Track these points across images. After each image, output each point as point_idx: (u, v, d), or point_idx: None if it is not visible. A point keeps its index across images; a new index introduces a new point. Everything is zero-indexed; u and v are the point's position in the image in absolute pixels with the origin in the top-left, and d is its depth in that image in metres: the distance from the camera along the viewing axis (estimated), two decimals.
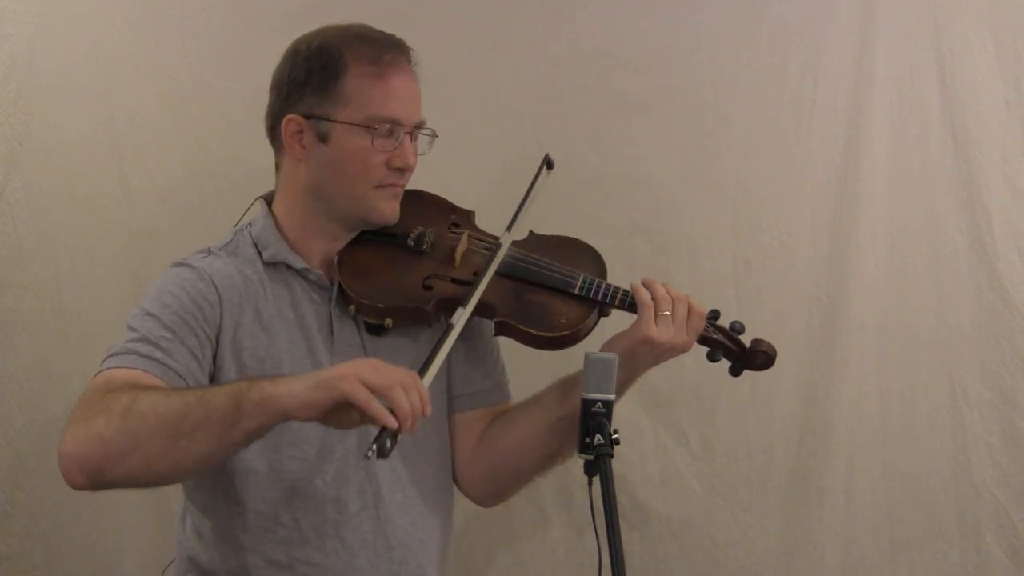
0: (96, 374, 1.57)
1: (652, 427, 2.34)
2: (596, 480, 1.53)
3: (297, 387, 1.39)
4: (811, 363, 2.32)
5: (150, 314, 1.62)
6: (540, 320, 1.75)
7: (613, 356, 1.60)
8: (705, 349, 1.81)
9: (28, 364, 2.19)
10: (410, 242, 1.77)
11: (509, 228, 1.78)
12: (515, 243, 1.82)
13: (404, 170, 1.73)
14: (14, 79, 2.15)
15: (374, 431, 1.40)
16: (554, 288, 1.78)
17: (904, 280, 2.32)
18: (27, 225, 2.18)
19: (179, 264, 1.70)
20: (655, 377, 2.30)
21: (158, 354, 1.57)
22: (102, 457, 1.41)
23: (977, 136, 2.29)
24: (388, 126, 1.69)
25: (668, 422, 2.34)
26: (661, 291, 1.73)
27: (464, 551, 2.33)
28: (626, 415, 2.27)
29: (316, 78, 1.69)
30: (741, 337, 1.82)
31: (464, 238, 1.80)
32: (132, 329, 1.61)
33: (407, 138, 1.72)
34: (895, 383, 2.32)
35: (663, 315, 1.71)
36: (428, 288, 1.74)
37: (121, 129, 2.22)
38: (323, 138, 1.70)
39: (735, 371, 1.84)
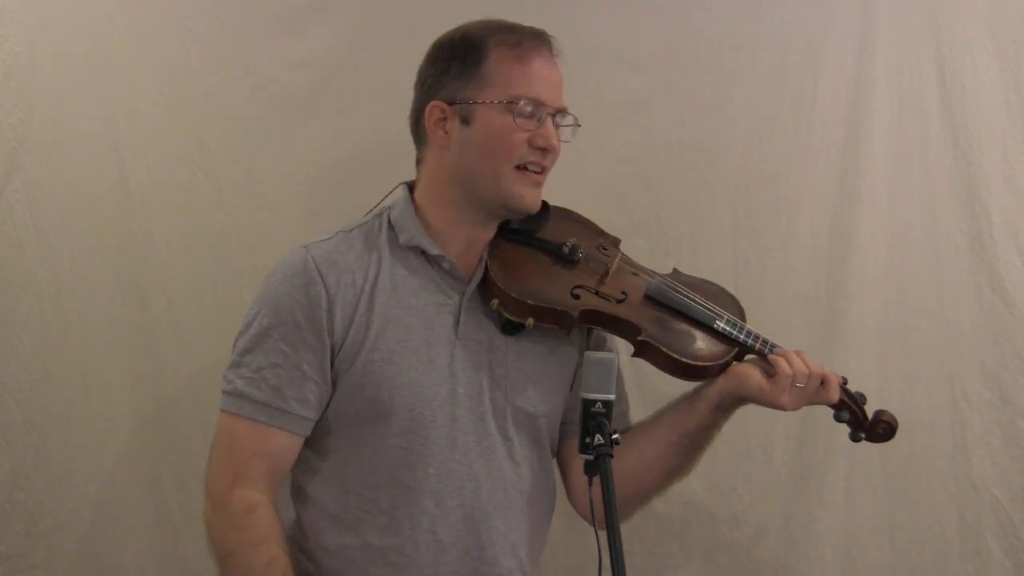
0: (221, 411, 1.67)
1: None
2: (596, 480, 1.53)
3: None
4: None
5: (265, 334, 1.65)
6: (682, 347, 1.76)
7: (613, 356, 1.61)
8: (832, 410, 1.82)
9: (28, 364, 2.19)
10: (565, 250, 1.79)
11: None
12: (662, 276, 1.84)
13: (546, 151, 1.72)
14: (14, 79, 2.16)
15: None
16: (698, 321, 1.79)
17: (904, 280, 2.32)
18: (27, 225, 2.18)
19: (294, 259, 1.69)
20: (655, 377, 2.31)
21: (277, 401, 1.65)
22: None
23: (977, 136, 2.29)
24: (530, 106, 1.69)
25: None
26: (799, 364, 1.75)
27: None
28: None
29: (458, 64, 1.71)
30: (865, 407, 1.83)
31: (617, 258, 1.83)
32: (247, 352, 1.66)
33: (549, 120, 1.72)
34: (895, 383, 2.32)
35: (797, 386, 1.74)
36: (576, 297, 1.75)
37: (121, 129, 2.22)
38: (466, 120, 1.70)
39: (855, 438, 1.84)
